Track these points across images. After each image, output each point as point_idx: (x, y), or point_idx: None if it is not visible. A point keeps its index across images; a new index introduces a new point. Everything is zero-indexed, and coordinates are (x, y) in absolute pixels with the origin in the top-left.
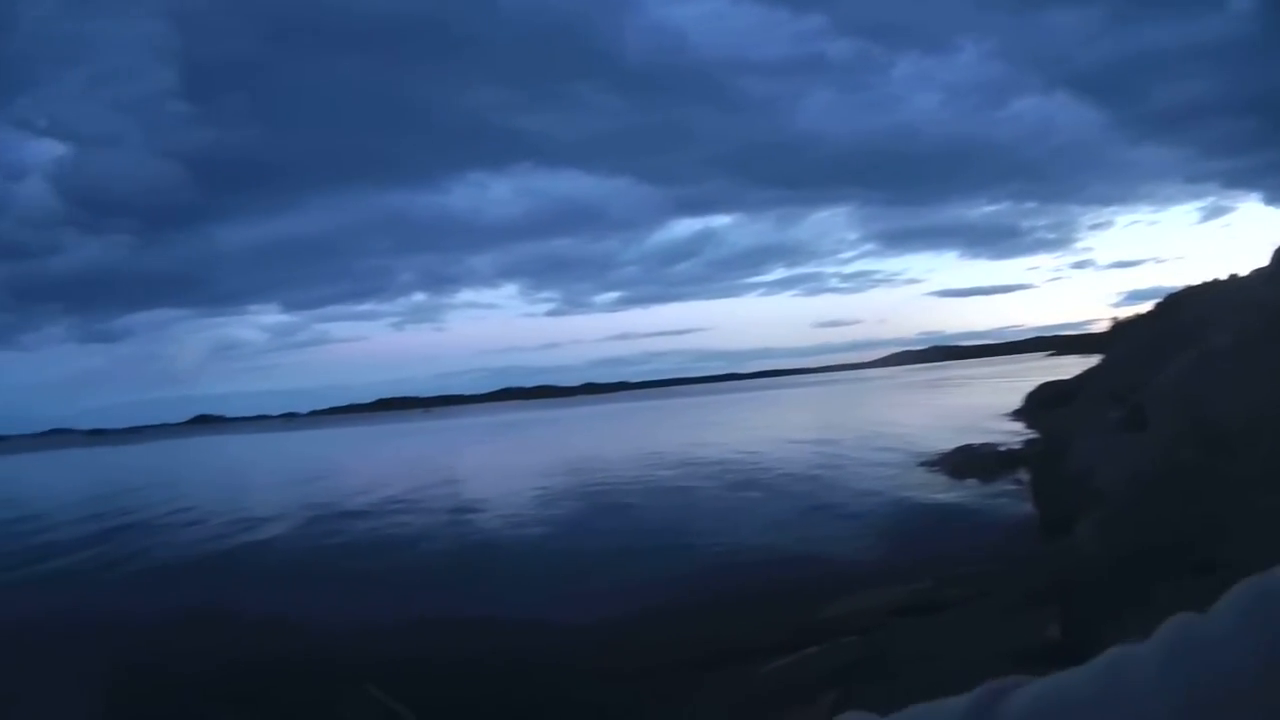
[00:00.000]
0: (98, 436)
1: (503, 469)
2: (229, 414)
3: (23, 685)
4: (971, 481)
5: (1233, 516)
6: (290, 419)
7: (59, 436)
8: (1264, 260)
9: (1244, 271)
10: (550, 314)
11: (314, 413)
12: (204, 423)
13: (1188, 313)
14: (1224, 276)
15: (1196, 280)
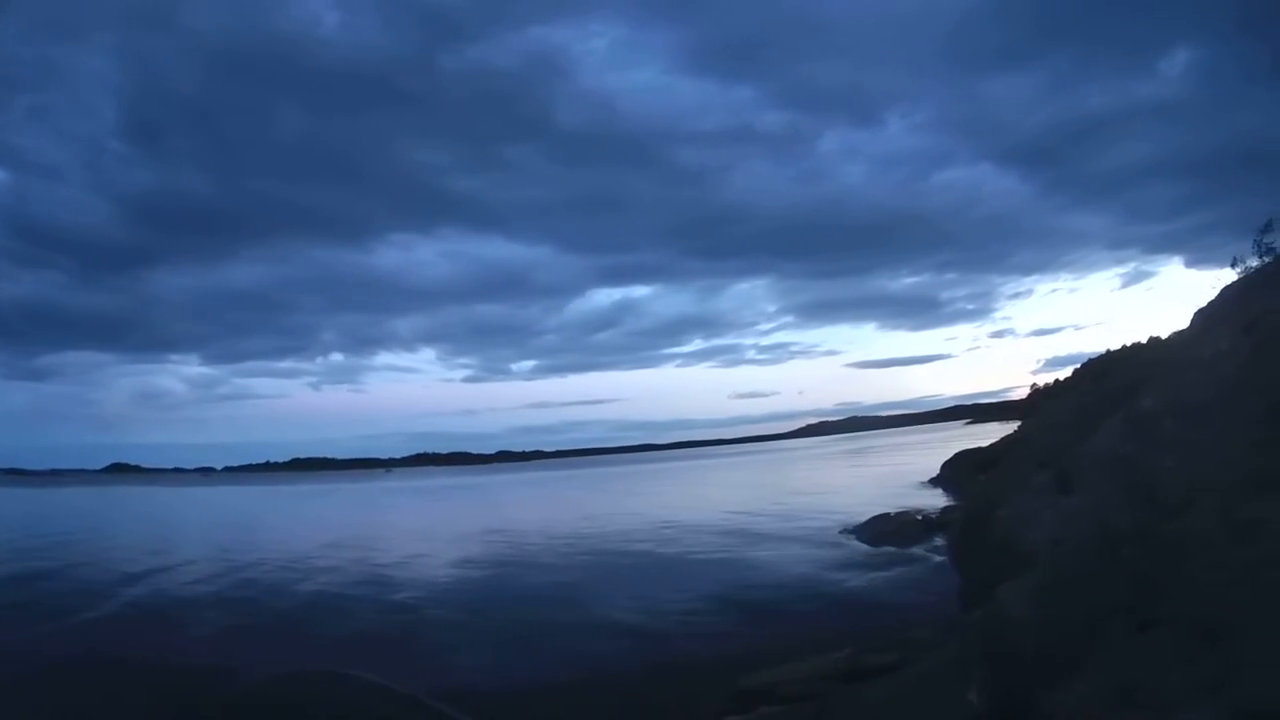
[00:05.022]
0: (16, 476)
1: (438, 533)
2: (145, 464)
3: None
4: (890, 549)
5: (1168, 577)
6: (207, 474)
7: None
8: (1185, 323)
9: (1165, 334)
10: (467, 380)
11: (229, 469)
12: (120, 471)
13: (1114, 376)
14: (1144, 340)
15: (1116, 345)
